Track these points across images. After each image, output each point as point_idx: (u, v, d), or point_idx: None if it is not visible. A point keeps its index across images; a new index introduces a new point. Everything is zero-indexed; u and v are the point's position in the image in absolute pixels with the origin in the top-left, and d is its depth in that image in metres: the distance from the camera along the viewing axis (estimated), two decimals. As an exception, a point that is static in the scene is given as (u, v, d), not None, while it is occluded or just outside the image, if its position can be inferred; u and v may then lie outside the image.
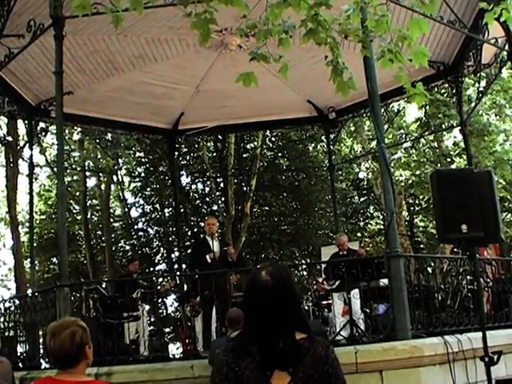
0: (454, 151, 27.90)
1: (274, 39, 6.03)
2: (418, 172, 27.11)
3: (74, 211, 33.67)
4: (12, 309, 11.59)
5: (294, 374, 2.89)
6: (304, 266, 31.33)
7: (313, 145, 30.84)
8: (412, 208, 33.29)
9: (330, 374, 2.95)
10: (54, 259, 31.60)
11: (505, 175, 25.26)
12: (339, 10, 6.00)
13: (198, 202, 31.65)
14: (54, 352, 3.76)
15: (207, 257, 11.89)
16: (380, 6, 6.10)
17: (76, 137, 28.14)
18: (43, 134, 15.49)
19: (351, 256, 12.69)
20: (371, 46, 7.03)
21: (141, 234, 32.39)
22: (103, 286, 13.27)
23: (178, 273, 22.38)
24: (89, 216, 33.00)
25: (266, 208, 32.58)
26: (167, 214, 31.45)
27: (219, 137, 27.64)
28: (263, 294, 3.00)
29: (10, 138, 23.36)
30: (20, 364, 10.64)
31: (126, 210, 32.79)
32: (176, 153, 19.88)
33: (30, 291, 15.83)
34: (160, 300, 12.17)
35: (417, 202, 33.13)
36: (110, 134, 23.62)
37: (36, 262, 23.45)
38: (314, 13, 5.75)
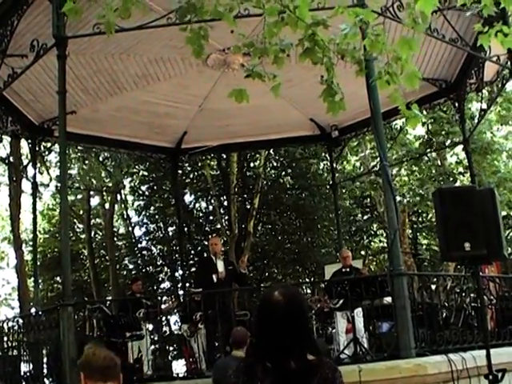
0: (457, 169, 27.87)
1: (271, 58, 6.06)
2: (421, 190, 27.02)
3: (78, 230, 33.71)
4: (15, 328, 11.54)
5: None
6: (308, 285, 31.18)
7: (316, 162, 30.85)
8: (415, 226, 33.22)
9: None
10: (58, 278, 31.48)
11: (507, 194, 25.19)
12: (337, 30, 6.01)
13: (201, 220, 31.58)
14: (97, 361, 3.64)
15: (213, 276, 11.87)
16: (377, 25, 6.12)
17: (79, 155, 28.13)
18: (46, 153, 15.51)
19: (354, 274, 12.67)
20: (373, 65, 7.06)
21: (144, 252, 32.30)
22: (107, 305, 13.25)
23: (181, 292, 22.34)
24: (92, 235, 33.05)
25: (270, 226, 32.53)
26: (171, 233, 31.43)
27: (222, 155, 27.65)
28: (274, 313, 3.01)
29: (12, 158, 23.35)
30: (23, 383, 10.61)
31: (130, 228, 32.79)
32: (179, 171, 19.92)
33: (33, 310, 15.77)
34: (164, 318, 12.14)
35: (420, 219, 33.07)
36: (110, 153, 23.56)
37: (39, 280, 23.42)
38: (311, 32, 5.77)
